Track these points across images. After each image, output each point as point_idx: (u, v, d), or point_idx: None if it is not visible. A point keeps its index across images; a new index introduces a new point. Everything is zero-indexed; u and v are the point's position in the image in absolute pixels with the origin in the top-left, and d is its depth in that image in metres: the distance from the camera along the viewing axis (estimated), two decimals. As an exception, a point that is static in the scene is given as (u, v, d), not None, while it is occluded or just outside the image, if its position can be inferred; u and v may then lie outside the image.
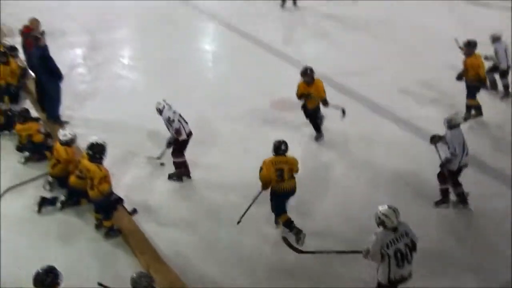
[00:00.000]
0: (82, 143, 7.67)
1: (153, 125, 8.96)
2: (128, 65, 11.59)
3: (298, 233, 6.58)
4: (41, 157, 8.15)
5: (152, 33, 13.31)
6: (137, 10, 14.86)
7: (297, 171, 6.69)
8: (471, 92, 9.11)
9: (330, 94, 8.71)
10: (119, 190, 7.17)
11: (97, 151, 6.59)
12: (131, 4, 15.32)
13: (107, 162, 6.96)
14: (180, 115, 7.56)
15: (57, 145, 7.48)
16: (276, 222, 6.82)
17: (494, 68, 9.83)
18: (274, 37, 13.08)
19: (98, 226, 6.87)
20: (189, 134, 7.62)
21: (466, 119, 8.97)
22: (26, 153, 8.24)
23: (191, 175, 7.80)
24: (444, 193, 7.16)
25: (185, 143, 7.63)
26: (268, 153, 6.58)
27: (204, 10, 14.67)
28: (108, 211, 6.72)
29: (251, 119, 9.15)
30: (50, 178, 7.59)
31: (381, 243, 5.08)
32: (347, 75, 10.71)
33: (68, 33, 13.10)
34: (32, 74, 9.77)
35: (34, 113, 9.33)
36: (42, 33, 8.71)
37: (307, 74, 8.41)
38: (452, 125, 7.00)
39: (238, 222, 6.63)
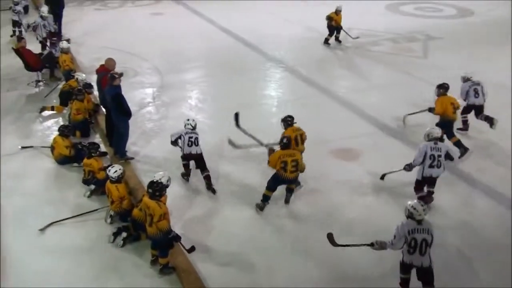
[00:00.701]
0: (145, 180, 7.91)
1: (216, 165, 9.13)
2: (195, 106, 11.84)
3: (262, 207, 7.93)
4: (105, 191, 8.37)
5: (220, 77, 13.63)
6: (207, 55, 15.31)
7: (302, 168, 7.87)
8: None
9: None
10: (177, 228, 7.25)
11: (157, 189, 6.69)
12: (202, 48, 15.84)
13: (167, 199, 7.11)
14: (190, 137, 8.43)
15: (108, 185, 7.71)
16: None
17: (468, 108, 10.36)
18: (340, 85, 13.14)
19: (153, 262, 6.94)
20: (188, 155, 8.51)
21: (461, 155, 9.42)
22: (92, 186, 8.49)
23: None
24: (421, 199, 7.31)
25: (185, 159, 8.63)
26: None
27: (272, 58, 14.90)
28: (164, 248, 6.77)
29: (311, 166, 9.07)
30: (111, 212, 7.78)
31: (405, 229, 5.93)
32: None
33: (140, 73, 13.63)
34: (103, 110, 10.20)
35: (102, 147, 9.71)
36: (121, 74, 9.05)
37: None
38: (427, 138, 7.94)
39: None
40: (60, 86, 11.79)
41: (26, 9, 17.81)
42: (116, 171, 7.64)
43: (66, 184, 8.83)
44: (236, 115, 9.38)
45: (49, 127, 10.86)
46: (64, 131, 9.49)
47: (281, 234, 7.60)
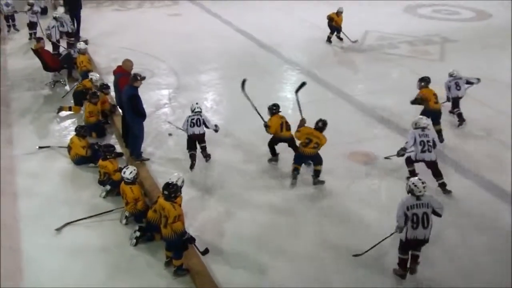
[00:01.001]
0: (161, 181, 7.97)
1: (231, 165, 9.17)
2: (211, 108, 11.87)
3: (294, 180, 8.79)
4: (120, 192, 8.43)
5: (236, 79, 13.45)
6: (223, 56, 15.35)
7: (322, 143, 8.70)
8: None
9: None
10: (191, 229, 7.28)
11: (172, 191, 6.71)
12: (218, 49, 15.89)
13: (182, 200, 7.14)
14: (192, 119, 9.23)
15: (123, 186, 7.76)
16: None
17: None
18: (356, 88, 13.12)
19: (167, 264, 6.97)
20: (192, 135, 9.25)
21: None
22: (107, 187, 8.56)
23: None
24: (411, 173, 8.71)
25: (190, 139, 9.26)
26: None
27: (288, 60, 14.90)
28: (179, 250, 6.80)
29: (330, 169, 9.06)
30: (126, 212, 7.83)
31: (405, 205, 6.40)
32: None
33: (157, 74, 13.72)
34: (120, 111, 10.28)
35: (118, 148, 9.79)
36: (143, 77, 9.09)
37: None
38: (414, 126, 8.73)
39: None
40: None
41: (45, 10, 18.04)
42: (131, 172, 7.69)
43: (82, 185, 8.92)
44: (243, 81, 10.03)
45: (66, 127, 10.97)
46: (80, 131, 9.57)
47: (296, 237, 7.59)
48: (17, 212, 8.13)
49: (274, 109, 9.44)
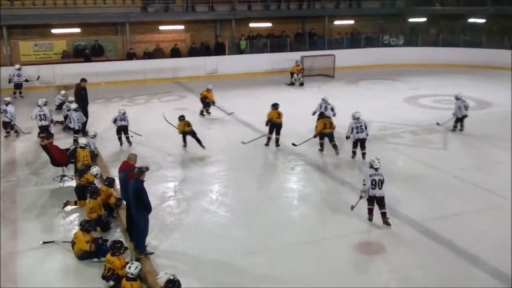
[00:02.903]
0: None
1: (235, 261, 9.03)
2: (216, 200, 11.88)
3: (335, 147, 14.47)
4: None
5: (241, 170, 13.78)
6: (228, 147, 15.57)
7: (334, 126, 14.40)
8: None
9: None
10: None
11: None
12: (223, 141, 16.14)
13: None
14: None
15: (124, 283, 7.72)
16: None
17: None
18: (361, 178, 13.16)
19: None
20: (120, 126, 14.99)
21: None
22: (111, 282, 8.39)
23: None
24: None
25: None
26: None
27: (292, 151, 15.06)
28: None
29: (331, 265, 8.91)
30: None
31: (368, 174, 10.23)
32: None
33: (163, 166, 13.84)
34: (124, 203, 10.29)
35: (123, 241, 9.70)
36: (147, 168, 9.23)
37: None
38: (352, 118, 13.98)
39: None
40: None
41: (60, 106, 18.61)
42: (136, 267, 7.61)
43: (85, 280, 8.76)
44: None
45: (71, 221, 10.95)
46: (85, 226, 9.51)
47: None
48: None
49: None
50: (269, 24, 29.23)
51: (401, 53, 29.33)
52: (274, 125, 15.16)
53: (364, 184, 10.25)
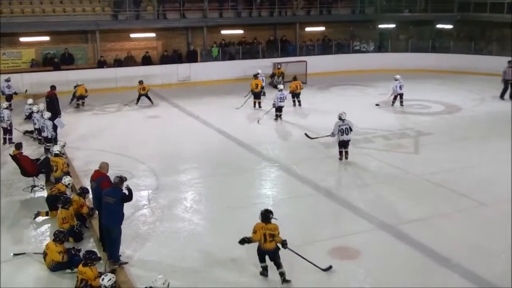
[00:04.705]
0: (140, 286, 7.76)
1: (211, 268, 8.97)
2: (190, 207, 11.80)
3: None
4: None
5: (215, 178, 13.74)
6: (202, 155, 15.49)
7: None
8: None
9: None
10: None
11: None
12: (197, 149, 16.05)
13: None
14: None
15: None
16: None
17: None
18: (334, 182, 13.31)
19: None
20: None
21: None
22: (84, 294, 8.27)
23: None
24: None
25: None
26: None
27: (267, 157, 15.10)
28: None
29: (305, 270, 8.93)
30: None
31: (337, 124, 13.91)
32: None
33: (136, 175, 13.68)
34: (97, 213, 10.17)
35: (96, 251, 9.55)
36: (125, 178, 9.29)
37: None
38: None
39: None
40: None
41: (30, 116, 18.26)
42: (110, 279, 7.56)
43: (58, 292, 8.61)
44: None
45: (43, 232, 10.75)
46: (59, 236, 9.35)
47: None
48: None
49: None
50: (240, 31, 29.27)
51: (371, 59, 29.69)
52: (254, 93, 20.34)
53: (332, 134, 14.17)
